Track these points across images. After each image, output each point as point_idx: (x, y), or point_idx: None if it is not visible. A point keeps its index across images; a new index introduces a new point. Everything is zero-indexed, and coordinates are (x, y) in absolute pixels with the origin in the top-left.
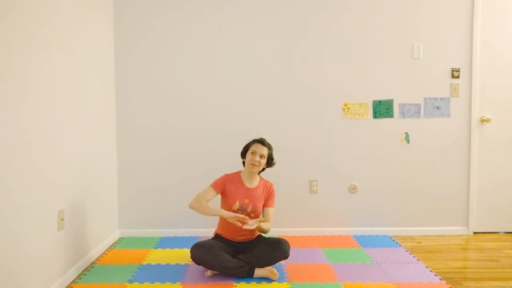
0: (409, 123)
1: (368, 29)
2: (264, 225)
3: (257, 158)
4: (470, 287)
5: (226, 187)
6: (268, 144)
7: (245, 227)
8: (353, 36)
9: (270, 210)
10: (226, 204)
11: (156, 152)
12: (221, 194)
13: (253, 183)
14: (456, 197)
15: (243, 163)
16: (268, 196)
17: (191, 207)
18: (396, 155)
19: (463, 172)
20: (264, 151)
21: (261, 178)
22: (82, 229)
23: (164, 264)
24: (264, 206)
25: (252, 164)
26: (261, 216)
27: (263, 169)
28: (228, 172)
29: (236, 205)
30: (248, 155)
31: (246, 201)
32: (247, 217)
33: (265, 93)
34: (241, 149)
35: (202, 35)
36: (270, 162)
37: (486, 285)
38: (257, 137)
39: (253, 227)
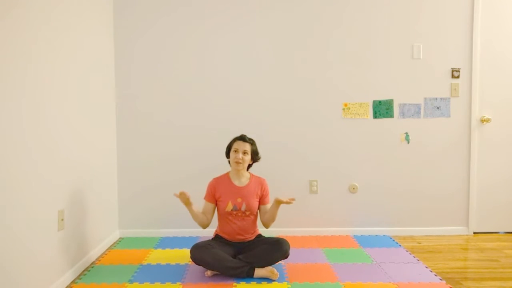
0: (409, 123)
1: (368, 29)
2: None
3: (240, 155)
4: (470, 287)
5: (217, 192)
6: (249, 139)
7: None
8: (353, 36)
9: (269, 206)
10: (220, 206)
11: (156, 152)
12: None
13: (243, 181)
14: (456, 197)
15: (229, 162)
16: (263, 193)
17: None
18: (396, 155)
19: (463, 172)
20: (246, 147)
21: (251, 175)
22: (82, 229)
23: (164, 264)
24: (262, 204)
25: (236, 162)
26: (259, 212)
27: (250, 165)
28: (222, 173)
29: (229, 206)
30: (231, 153)
31: (239, 200)
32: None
33: (265, 92)
34: None
35: (203, 34)
36: (255, 157)
37: (486, 285)
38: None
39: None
